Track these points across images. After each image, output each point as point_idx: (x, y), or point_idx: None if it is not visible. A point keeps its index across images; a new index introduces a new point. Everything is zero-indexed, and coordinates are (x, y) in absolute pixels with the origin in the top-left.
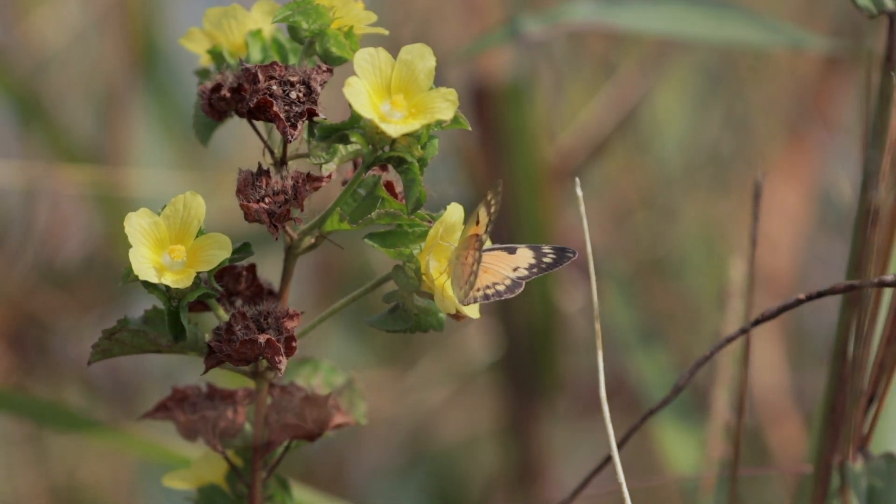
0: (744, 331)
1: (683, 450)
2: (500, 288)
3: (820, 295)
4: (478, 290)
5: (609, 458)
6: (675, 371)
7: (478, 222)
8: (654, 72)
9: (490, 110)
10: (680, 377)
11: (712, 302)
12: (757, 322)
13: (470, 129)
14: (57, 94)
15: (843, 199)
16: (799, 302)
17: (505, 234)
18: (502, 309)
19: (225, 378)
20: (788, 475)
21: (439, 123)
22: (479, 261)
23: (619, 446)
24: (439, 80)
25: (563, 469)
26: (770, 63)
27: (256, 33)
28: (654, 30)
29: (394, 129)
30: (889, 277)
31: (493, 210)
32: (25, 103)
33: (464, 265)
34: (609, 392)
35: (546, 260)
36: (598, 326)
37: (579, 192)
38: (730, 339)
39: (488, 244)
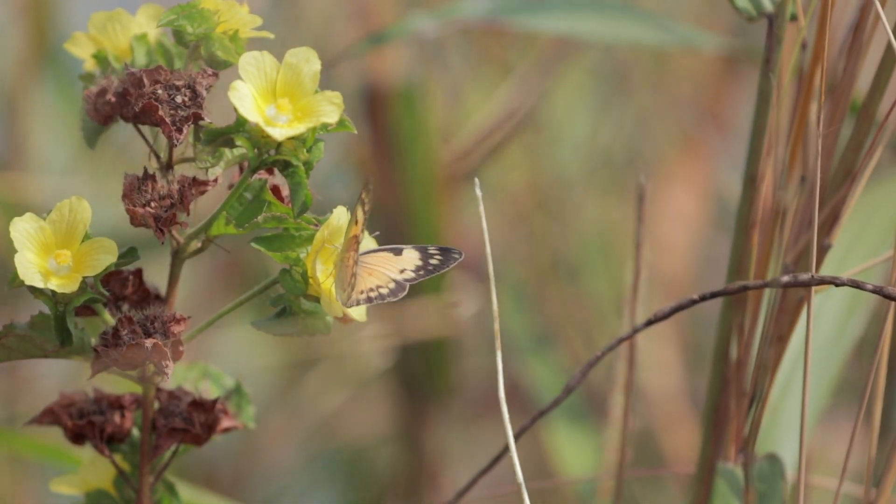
0: (636, 331)
1: (578, 454)
2: (384, 291)
3: (713, 295)
4: (361, 292)
5: (498, 458)
6: (570, 374)
7: (356, 222)
8: (551, 74)
9: (383, 113)
10: (571, 378)
11: (609, 306)
12: (650, 322)
13: (356, 131)
14: None
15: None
16: (693, 302)
17: (399, 238)
18: (397, 313)
19: (113, 383)
20: (682, 477)
21: (325, 127)
22: (357, 262)
23: (500, 454)
24: (332, 84)
25: (459, 472)
26: (667, 67)
27: (141, 37)
28: (548, 28)
29: (279, 132)
30: (784, 278)
31: (367, 209)
32: None
33: (346, 267)
34: (513, 392)
35: (433, 262)
36: (497, 327)
37: (479, 192)
38: (622, 340)
39: (373, 245)
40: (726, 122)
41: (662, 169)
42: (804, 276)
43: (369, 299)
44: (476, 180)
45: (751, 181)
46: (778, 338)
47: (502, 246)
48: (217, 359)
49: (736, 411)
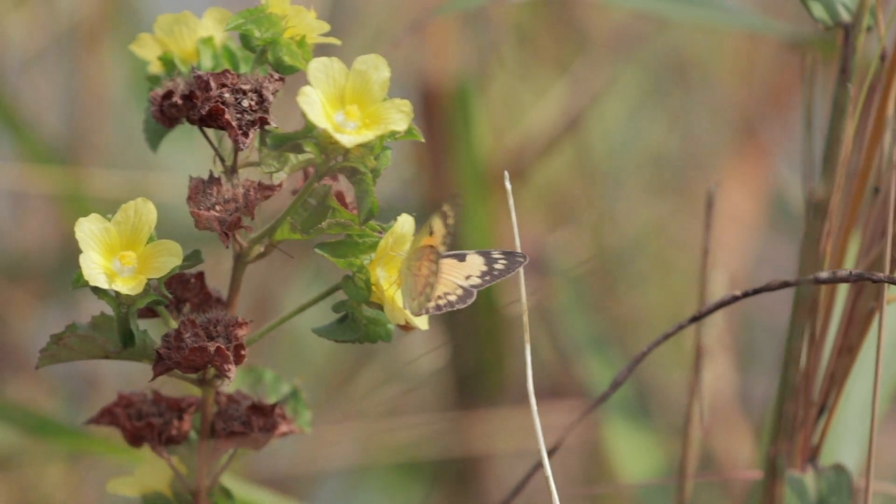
0: (680, 327)
1: (636, 455)
2: (453, 298)
3: (756, 292)
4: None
5: (533, 471)
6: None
7: (431, 233)
8: (605, 73)
9: (438, 112)
10: (618, 374)
11: (661, 305)
12: (694, 319)
13: (423, 140)
14: (32, 95)
15: (796, 200)
16: (735, 298)
17: (450, 236)
18: (448, 313)
19: (170, 385)
20: (735, 482)
21: (393, 134)
22: (435, 273)
23: (555, 447)
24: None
25: (510, 467)
26: (723, 63)
27: (208, 41)
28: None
29: (348, 139)
30: (823, 275)
31: (450, 223)
32: None
33: (416, 276)
34: (560, 393)
35: (497, 266)
36: (525, 320)
37: (508, 185)
38: (667, 336)
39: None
40: (785, 121)
41: (718, 167)
42: (842, 273)
43: (439, 307)
44: (505, 173)
45: (823, 191)
46: (848, 348)
47: (556, 241)
48: (271, 358)
49: (803, 420)
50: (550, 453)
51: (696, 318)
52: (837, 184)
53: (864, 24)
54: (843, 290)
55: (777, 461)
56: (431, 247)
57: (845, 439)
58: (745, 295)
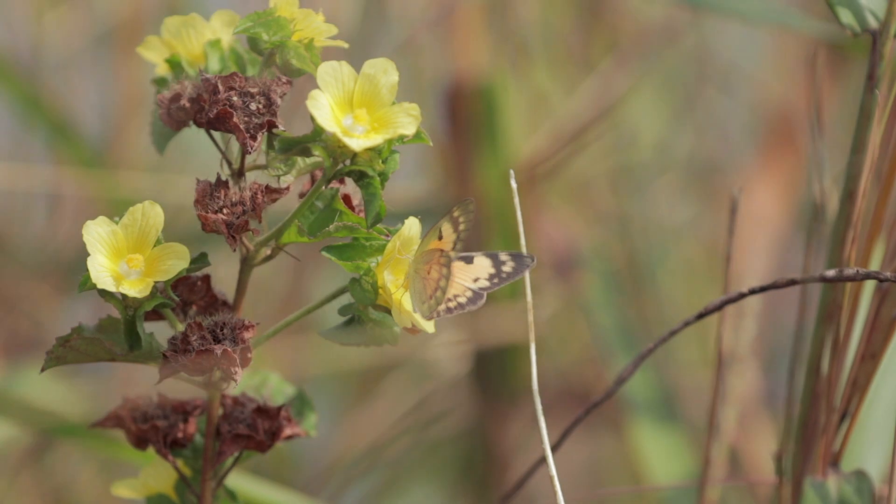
0: (686, 324)
1: (663, 458)
2: (463, 300)
3: (763, 289)
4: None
5: (534, 467)
6: (652, 370)
7: (441, 237)
8: (633, 73)
9: (464, 108)
10: (623, 370)
11: (685, 305)
12: (700, 315)
13: (431, 144)
14: (69, 96)
15: (823, 203)
16: (741, 296)
17: (476, 234)
18: (472, 316)
19: (175, 387)
20: (759, 486)
21: (401, 138)
22: (447, 277)
23: (558, 444)
24: (415, 79)
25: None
26: (756, 62)
27: (215, 43)
28: None
29: (356, 143)
30: (830, 273)
31: (461, 228)
32: (33, 104)
33: (425, 279)
34: (588, 391)
35: (505, 269)
36: (531, 318)
37: (513, 183)
38: (673, 332)
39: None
40: (819, 122)
41: (748, 168)
42: (849, 272)
43: (449, 310)
44: (511, 171)
45: (849, 197)
46: (871, 355)
47: (581, 242)
48: (292, 365)
49: (825, 426)
50: (554, 450)
51: (703, 315)
52: (863, 189)
53: (893, 31)
54: (866, 296)
55: (783, 463)
56: (441, 251)
57: (868, 445)
58: (752, 292)
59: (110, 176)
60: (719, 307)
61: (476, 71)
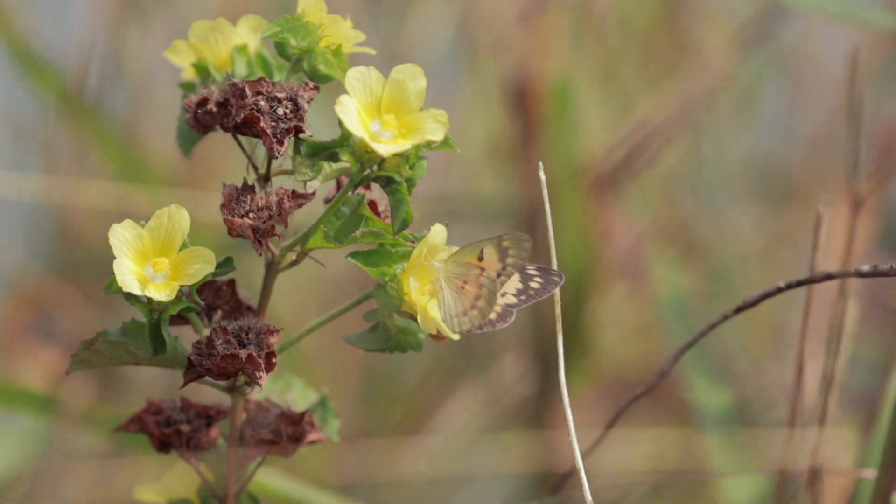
0: (726, 317)
1: (730, 460)
2: (493, 317)
3: (799, 284)
4: (464, 313)
5: (566, 475)
6: (729, 381)
7: (481, 258)
8: (718, 77)
9: (534, 105)
10: (665, 362)
11: (764, 317)
12: (739, 309)
13: (458, 150)
14: (145, 116)
15: None
16: (779, 290)
17: (544, 233)
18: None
19: (197, 392)
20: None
21: (429, 144)
22: (489, 301)
23: (611, 424)
24: (483, 72)
25: (595, 464)
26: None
27: (242, 48)
28: None
29: (384, 148)
30: (865, 268)
31: (509, 261)
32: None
33: (460, 294)
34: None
35: (533, 285)
36: (558, 311)
37: (542, 175)
38: (712, 327)
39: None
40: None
41: (833, 174)
42: (884, 267)
43: (480, 328)
44: (540, 164)
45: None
46: None
47: (655, 249)
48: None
49: None
50: (584, 457)
51: (741, 309)
52: None
53: None
54: None
55: (882, 484)
56: (482, 269)
57: None
58: (790, 286)
59: (178, 196)
60: (758, 301)
61: (550, 68)
